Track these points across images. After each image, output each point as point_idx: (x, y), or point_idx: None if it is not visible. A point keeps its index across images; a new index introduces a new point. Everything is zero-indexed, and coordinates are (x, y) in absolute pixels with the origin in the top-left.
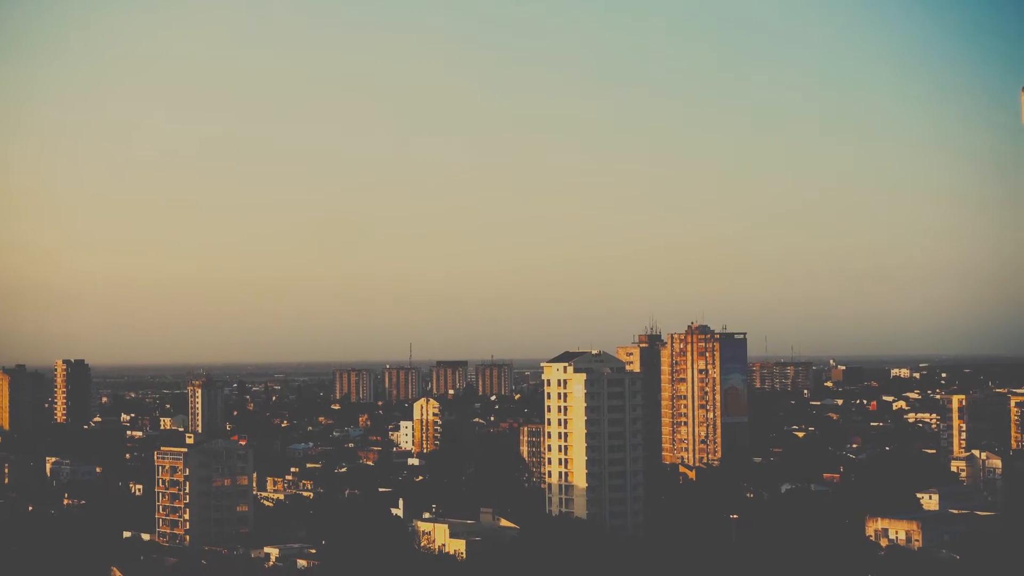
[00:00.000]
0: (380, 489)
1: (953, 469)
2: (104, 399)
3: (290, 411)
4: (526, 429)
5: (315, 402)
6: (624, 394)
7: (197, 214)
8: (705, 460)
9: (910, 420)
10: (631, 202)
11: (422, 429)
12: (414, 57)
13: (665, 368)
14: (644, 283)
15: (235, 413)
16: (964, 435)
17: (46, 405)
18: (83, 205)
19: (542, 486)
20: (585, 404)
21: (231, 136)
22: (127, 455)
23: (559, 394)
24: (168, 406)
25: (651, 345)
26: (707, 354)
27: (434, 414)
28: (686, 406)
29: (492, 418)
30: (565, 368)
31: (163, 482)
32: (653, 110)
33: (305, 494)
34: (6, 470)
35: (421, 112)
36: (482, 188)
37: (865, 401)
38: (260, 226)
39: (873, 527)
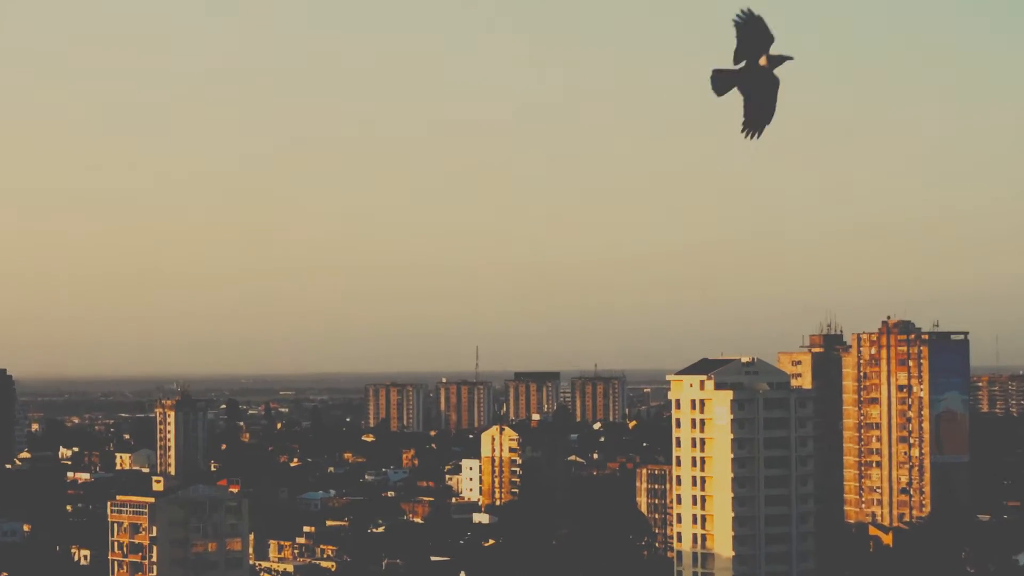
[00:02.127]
0: (433, 558)
1: None
2: (34, 425)
3: (303, 444)
4: (645, 472)
5: (339, 431)
6: (789, 421)
7: (178, 180)
8: (907, 518)
9: None
10: (798, 172)
11: (493, 471)
12: None
13: (849, 383)
14: (816, 267)
15: (224, 447)
16: None
17: None
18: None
19: (668, 555)
20: (732, 436)
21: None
22: (68, 507)
23: (694, 421)
24: (127, 436)
25: (828, 349)
26: (911, 362)
27: (511, 450)
28: (879, 439)
29: (595, 455)
30: (703, 383)
31: (120, 546)
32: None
33: (325, 564)
34: None
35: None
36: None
37: None
38: (264, 194)
39: None
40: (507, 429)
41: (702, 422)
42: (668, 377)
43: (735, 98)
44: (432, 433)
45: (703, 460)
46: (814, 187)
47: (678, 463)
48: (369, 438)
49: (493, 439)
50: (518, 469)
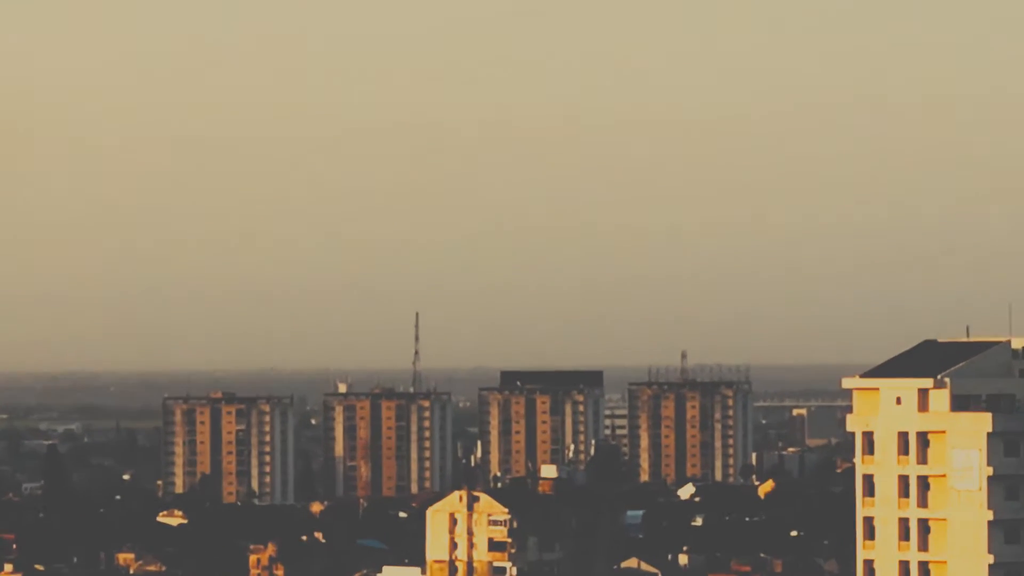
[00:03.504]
0: None
1: None
2: None
3: (25, 529)
4: None
5: (109, 501)
6: None
7: None
8: None
9: None
10: None
11: None
12: None
13: None
14: None
15: None
16: None
17: None
18: None
19: None
20: (992, 515)
21: None
22: None
23: (906, 480)
24: None
25: None
26: None
27: (493, 544)
28: None
29: (685, 555)
30: (925, 394)
31: None
32: None
33: None
34: None
35: None
36: None
37: None
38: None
39: None
40: (484, 498)
41: (925, 482)
42: (846, 383)
43: None
44: (316, 508)
45: (927, 569)
46: None
47: (870, 573)
48: (175, 518)
49: (454, 521)
50: None
